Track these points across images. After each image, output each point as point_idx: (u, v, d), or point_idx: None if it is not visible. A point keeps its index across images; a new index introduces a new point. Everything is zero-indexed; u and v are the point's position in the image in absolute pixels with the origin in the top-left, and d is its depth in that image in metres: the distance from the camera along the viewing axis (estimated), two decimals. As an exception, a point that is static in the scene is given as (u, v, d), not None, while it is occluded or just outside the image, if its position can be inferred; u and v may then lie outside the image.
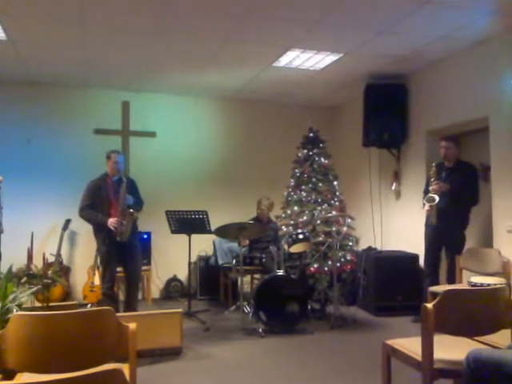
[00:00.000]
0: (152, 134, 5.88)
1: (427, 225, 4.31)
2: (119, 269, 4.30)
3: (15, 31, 3.97)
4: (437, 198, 4.06)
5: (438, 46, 4.37)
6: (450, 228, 4.13)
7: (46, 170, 5.44)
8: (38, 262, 4.67)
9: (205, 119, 6.18)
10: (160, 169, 5.35)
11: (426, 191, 4.32)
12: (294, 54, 4.56)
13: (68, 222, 5.36)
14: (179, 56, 4.65)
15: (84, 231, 5.54)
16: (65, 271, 5.27)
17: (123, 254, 4.10)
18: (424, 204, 4.21)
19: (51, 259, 5.08)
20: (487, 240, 4.30)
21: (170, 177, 5.69)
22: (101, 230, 4.10)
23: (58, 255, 5.20)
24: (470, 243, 4.58)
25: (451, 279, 4.16)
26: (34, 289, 2.77)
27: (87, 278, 5.16)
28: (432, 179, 4.18)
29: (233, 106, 6.25)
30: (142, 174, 5.29)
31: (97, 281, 5.07)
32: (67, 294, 5.13)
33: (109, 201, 4.07)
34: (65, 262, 5.39)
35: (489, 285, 3.08)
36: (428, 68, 4.97)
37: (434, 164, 4.29)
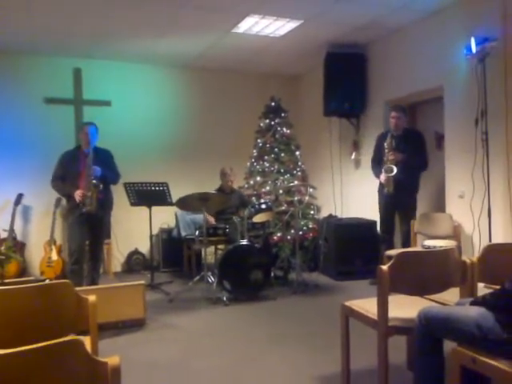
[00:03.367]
0: (107, 103, 5.62)
1: (381, 193, 4.44)
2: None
3: None
4: (395, 169, 4.18)
5: (395, 16, 4.40)
6: (403, 194, 4.28)
7: (-7, 142, 5.11)
8: (-11, 239, 4.46)
9: (163, 88, 5.98)
10: (117, 139, 5.13)
11: (376, 160, 4.45)
12: (253, 20, 4.45)
13: (20, 196, 5.12)
14: (133, 22, 4.41)
15: (38, 206, 5.33)
16: (19, 247, 5.07)
17: (90, 226, 4.03)
18: (381, 174, 4.29)
19: (4, 235, 4.86)
20: (440, 205, 4.52)
21: (128, 148, 5.49)
22: (70, 201, 4.06)
23: (12, 231, 4.99)
24: (423, 208, 4.79)
25: (406, 243, 4.36)
26: (-14, 265, 2.65)
27: (44, 253, 4.99)
28: (387, 150, 4.27)
29: (192, 75, 6.06)
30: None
31: (54, 256, 4.92)
32: (23, 270, 4.95)
33: (78, 173, 3.97)
34: (19, 237, 5.17)
35: (441, 247, 3.24)
36: (386, 38, 5.00)
37: (390, 135, 4.32)
